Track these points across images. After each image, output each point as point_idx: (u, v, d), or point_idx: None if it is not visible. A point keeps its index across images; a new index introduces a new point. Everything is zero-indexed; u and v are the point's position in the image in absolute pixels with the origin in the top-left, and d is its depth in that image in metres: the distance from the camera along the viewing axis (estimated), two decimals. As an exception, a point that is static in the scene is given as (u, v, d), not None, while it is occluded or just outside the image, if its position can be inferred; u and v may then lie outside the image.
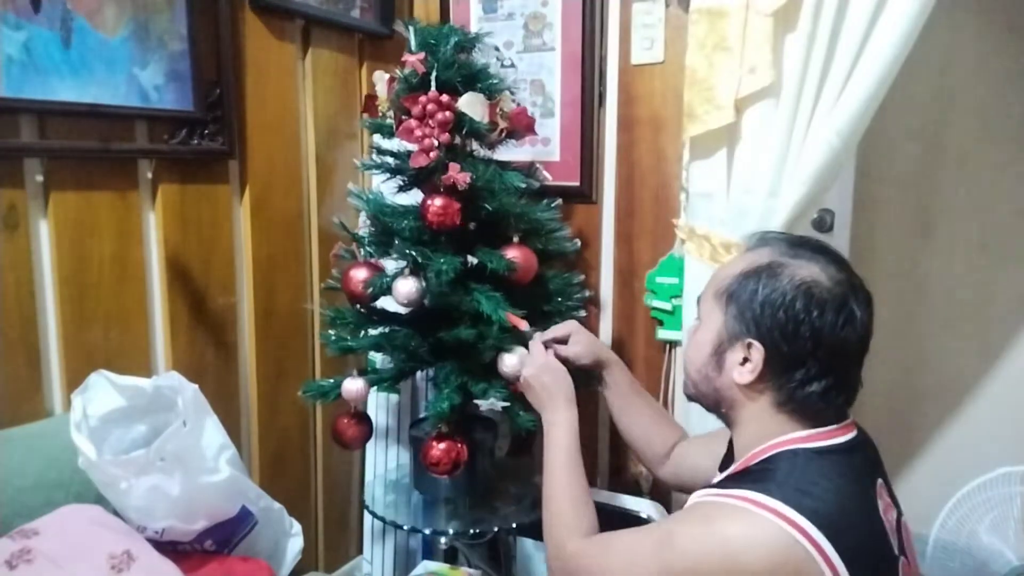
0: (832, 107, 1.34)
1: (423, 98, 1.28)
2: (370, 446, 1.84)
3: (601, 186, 1.84)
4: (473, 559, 1.69)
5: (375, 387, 1.51)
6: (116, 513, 1.15)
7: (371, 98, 1.46)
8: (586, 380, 1.30)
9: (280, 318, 1.72)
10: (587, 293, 1.58)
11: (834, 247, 0.96)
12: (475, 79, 1.36)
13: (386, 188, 1.51)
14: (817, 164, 1.36)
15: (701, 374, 0.98)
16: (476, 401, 1.35)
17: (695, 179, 1.54)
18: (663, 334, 1.76)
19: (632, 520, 1.62)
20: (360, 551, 1.99)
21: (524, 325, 1.29)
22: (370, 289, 1.36)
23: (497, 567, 1.72)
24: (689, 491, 1.01)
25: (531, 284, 1.39)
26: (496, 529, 1.50)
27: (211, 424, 1.25)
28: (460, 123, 1.31)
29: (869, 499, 0.88)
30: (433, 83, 1.29)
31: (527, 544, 1.78)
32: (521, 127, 1.42)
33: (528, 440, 1.67)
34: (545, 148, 1.85)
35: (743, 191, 1.46)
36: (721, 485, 0.93)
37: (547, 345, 1.27)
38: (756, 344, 0.89)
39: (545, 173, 1.56)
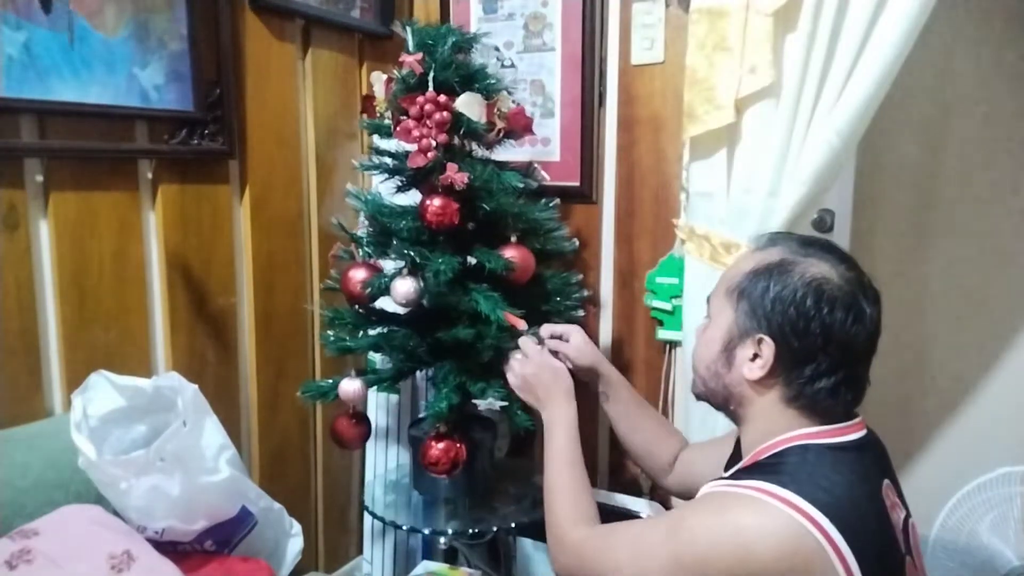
0: (832, 107, 1.34)
1: (420, 98, 1.28)
2: (370, 446, 1.84)
3: (601, 186, 1.84)
4: (473, 559, 1.69)
5: (374, 387, 1.51)
6: (116, 513, 1.15)
7: (369, 98, 1.46)
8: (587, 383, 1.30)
9: (280, 318, 1.72)
10: (585, 293, 1.58)
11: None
12: (473, 79, 1.36)
13: (384, 188, 1.51)
14: (817, 164, 1.36)
15: (711, 371, 0.98)
16: (475, 401, 1.35)
17: (695, 179, 1.54)
18: (663, 334, 1.76)
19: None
20: (360, 551, 2.00)
21: (522, 324, 1.29)
22: (368, 289, 1.36)
23: (497, 567, 1.72)
24: None
25: (529, 284, 1.39)
26: (495, 529, 1.50)
27: (211, 424, 1.25)
28: (458, 123, 1.30)
29: (877, 497, 0.88)
30: (431, 83, 1.29)
31: (527, 544, 1.78)
32: (519, 127, 1.41)
33: (527, 440, 1.67)
34: (545, 148, 1.85)
35: (743, 191, 1.46)
36: (733, 477, 0.93)
37: (543, 341, 1.27)
38: (767, 339, 0.90)
39: (543, 173, 1.56)
